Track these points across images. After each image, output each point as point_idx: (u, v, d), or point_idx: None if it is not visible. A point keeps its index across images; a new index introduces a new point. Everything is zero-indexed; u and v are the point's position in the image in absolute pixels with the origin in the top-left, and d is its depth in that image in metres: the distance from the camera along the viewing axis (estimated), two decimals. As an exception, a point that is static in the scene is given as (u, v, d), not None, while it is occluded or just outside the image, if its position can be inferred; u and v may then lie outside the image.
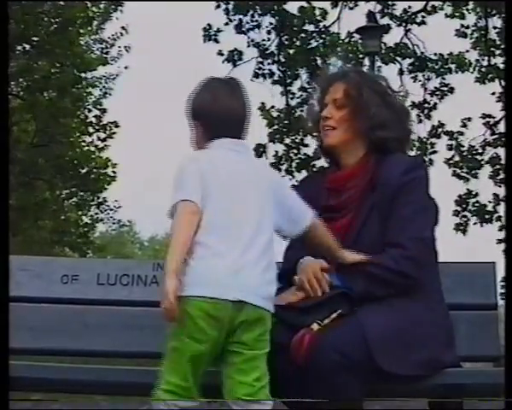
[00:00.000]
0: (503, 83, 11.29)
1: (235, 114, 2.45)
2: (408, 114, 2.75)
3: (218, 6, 11.41)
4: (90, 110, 15.75)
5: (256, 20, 11.37)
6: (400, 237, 2.44)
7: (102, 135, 15.84)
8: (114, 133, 15.81)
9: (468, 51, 12.11)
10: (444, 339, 2.47)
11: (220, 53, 11.43)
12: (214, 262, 2.26)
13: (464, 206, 12.06)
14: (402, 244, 2.43)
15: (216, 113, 2.43)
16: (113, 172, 16.27)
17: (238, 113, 2.45)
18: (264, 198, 2.36)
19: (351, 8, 11.61)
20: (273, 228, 2.36)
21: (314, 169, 11.57)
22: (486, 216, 11.97)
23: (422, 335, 2.40)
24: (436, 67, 11.84)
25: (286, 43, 11.45)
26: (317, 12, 11.49)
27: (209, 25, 11.41)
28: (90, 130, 15.78)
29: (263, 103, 11.87)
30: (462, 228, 12.02)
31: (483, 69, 12.24)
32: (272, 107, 11.90)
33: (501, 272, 2.98)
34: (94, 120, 15.70)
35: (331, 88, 2.66)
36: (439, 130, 11.99)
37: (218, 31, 11.44)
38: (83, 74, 14.67)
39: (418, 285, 2.44)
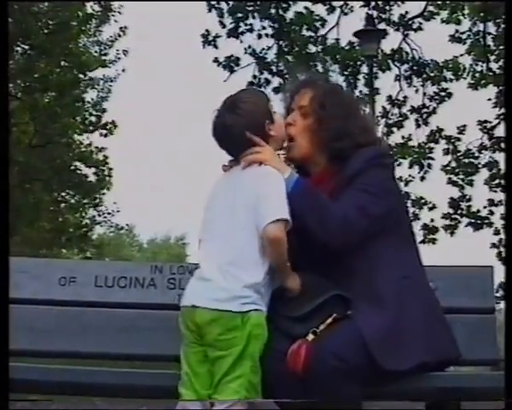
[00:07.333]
0: (498, 88, 11.35)
1: (228, 131, 2.49)
2: (373, 125, 2.76)
3: (210, 10, 11.34)
4: (90, 113, 15.73)
5: (251, 24, 11.32)
6: (344, 204, 2.46)
7: (102, 134, 15.88)
8: (114, 128, 15.83)
9: (462, 55, 12.17)
10: (440, 329, 2.49)
11: (216, 60, 11.36)
12: (192, 276, 2.49)
13: (456, 209, 12.08)
14: (344, 210, 2.44)
15: (213, 130, 2.53)
16: (109, 168, 16.35)
17: (238, 132, 2.47)
18: (245, 209, 2.42)
19: (345, 14, 11.59)
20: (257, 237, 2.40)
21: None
22: (479, 222, 11.99)
23: (419, 328, 2.41)
24: (431, 74, 11.86)
25: (285, 49, 11.40)
26: (316, 16, 11.45)
27: (207, 30, 11.36)
28: (90, 129, 15.79)
29: None
30: (450, 230, 12.04)
31: (477, 75, 12.27)
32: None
33: (498, 275, 3.00)
34: (93, 119, 15.71)
35: (298, 94, 2.68)
36: (437, 135, 12.01)
37: (217, 36, 11.36)
38: (81, 75, 14.67)
39: (403, 276, 2.47)
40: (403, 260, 2.52)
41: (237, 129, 2.47)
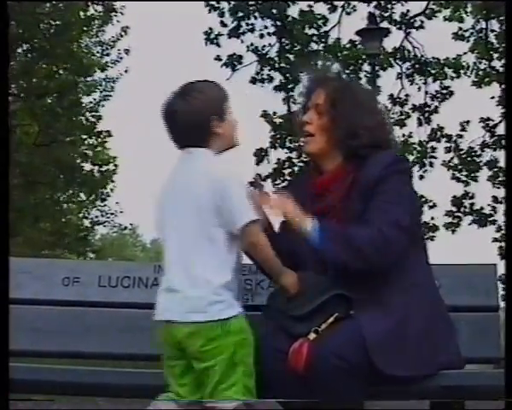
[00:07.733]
0: (502, 86, 11.33)
1: (173, 117, 2.39)
2: (387, 123, 2.74)
3: (210, 11, 11.29)
4: (87, 119, 15.71)
5: (253, 24, 11.28)
6: (376, 222, 2.44)
7: (92, 144, 15.98)
8: (106, 142, 15.95)
9: (465, 53, 12.15)
10: (443, 337, 2.48)
11: (218, 58, 11.32)
12: (160, 286, 2.38)
13: (458, 206, 12.07)
14: (378, 227, 2.43)
15: (161, 113, 2.42)
16: (115, 165, 16.41)
17: (182, 119, 2.37)
18: (201, 209, 2.31)
19: (348, 14, 11.56)
20: (220, 235, 2.31)
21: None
22: (482, 218, 11.97)
23: (420, 334, 2.40)
24: (433, 71, 11.84)
25: (286, 48, 11.37)
26: (318, 15, 11.42)
27: (210, 28, 11.32)
28: (85, 136, 15.84)
29: (265, 111, 11.74)
30: (452, 228, 12.04)
31: (480, 73, 12.26)
32: (274, 113, 11.76)
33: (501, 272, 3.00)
34: (89, 125, 15.71)
35: (314, 93, 2.68)
36: (439, 133, 11.99)
37: (219, 34, 11.32)
38: (82, 78, 14.67)
39: (412, 282, 2.46)
40: (415, 265, 2.51)
41: (181, 116, 2.37)
